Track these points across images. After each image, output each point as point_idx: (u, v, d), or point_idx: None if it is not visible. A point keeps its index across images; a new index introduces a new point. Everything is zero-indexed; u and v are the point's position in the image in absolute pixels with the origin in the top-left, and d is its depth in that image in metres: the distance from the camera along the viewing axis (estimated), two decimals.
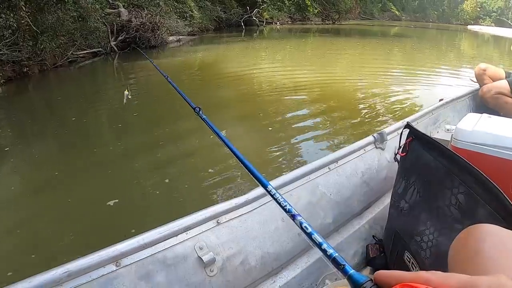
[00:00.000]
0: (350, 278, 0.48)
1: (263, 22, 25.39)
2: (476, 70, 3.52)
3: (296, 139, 4.37)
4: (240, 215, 1.25)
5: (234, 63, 10.28)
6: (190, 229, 1.12)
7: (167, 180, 3.35)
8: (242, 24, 23.29)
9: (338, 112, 5.54)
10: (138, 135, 4.64)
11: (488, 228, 0.76)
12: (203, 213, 1.17)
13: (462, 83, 7.76)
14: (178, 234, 1.10)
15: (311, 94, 6.52)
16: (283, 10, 28.14)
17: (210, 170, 3.49)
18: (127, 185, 3.33)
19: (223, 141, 1.05)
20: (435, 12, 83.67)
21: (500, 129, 1.86)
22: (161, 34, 12.99)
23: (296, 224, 0.65)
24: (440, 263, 1.16)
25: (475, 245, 0.72)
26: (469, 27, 65.65)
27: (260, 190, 1.31)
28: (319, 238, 0.59)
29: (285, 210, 0.71)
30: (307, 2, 29.00)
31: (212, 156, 3.85)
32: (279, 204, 0.74)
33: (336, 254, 0.53)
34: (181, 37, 15.28)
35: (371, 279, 0.44)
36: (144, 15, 12.58)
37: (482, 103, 3.48)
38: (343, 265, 0.51)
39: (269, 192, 0.78)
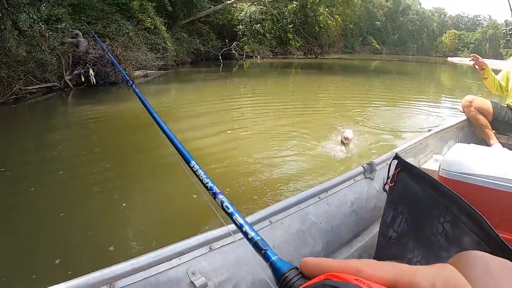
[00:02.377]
0: (272, 265, 0.46)
1: (243, 55, 24.58)
2: (463, 101, 3.71)
3: None
4: (232, 242, 1.25)
5: (194, 128, 6.31)
6: (183, 254, 1.13)
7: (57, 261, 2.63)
8: (220, 58, 22.36)
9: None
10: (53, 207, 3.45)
11: (475, 255, 0.80)
12: (196, 239, 1.18)
13: (443, 114, 8.40)
14: (171, 259, 1.10)
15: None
16: (264, 44, 27.42)
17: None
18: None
19: (153, 117, 1.09)
20: (415, 45, 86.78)
21: (487, 159, 1.97)
22: (124, 68, 11.40)
23: (217, 202, 0.66)
24: None
25: (463, 272, 0.58)
26: (449, 59, 67.60)
27: (253, 217, 1.35)
28: (240, 219, 0.59)
29: (202, 181, 0.73)
30: (289, 35, 28.42)
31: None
32: (197, 175, 0.76)
33: (258, 238, 0.53)
34: (149, 71, 13.79)
35: (296, 267, 0.42)
36: (105, 46, 10.87)
37: (470, 134, 3.78)
38: (265, 250, 0.49)
39: (191, 167, 0.78)
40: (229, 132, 5.92)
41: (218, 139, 5.55)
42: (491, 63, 3.67)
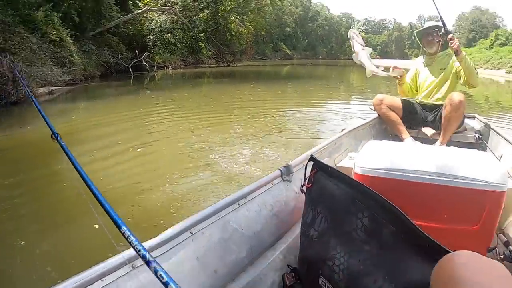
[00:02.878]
0: None
1: (154, 66, 23.89)
2: (374, 100, 3.87)
3: None
4: (156, 257, 1.16)
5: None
6: (105, 276, 1.06)
7: None
8: (131, 70, 21.41)
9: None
10: None
11: (467, 255, 0.80)
12: (118, 258, 1.11)
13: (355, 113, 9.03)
14: (94, 282, 1.03)
15: None
16: (175, 53, 26.98)
17: None
18: None
19: (79, 172, 1.10)
20: (324, 49, 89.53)
21: (399, 153, 2.02)
22: (27, 85, 10.38)
23: (151, 270, 0.65)
24: (353, 283, 1.26)
25: (457, 273, 0.75)
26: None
27: (173, 230, 1.32)
28: None
29: (134, 248, 0.71)
30: (200, 44, 28.44)
31: None
32: (129, 241, 0.75)
33: None
34: (55, 88, 13.02)
35: None
36: (5, 62, 10.09)
37: (382, 131, 3.99)
38: None
39: (123, 233, 0.76)
40: (139, 150, 5.73)
41: (127, 158, 5.39)
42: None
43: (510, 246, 1.90)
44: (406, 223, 1.12)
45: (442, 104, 3.62)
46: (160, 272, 0.61)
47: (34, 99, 1.81)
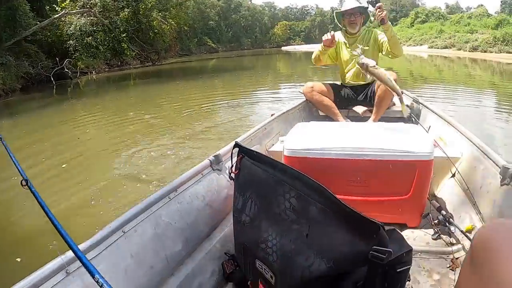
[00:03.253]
0: None
1: (77, 73, 22.80)
2: (305, 88, 3.87)
3: None
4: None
5: None
6: (39, 286, 1.03)
7: None
8: (52, 79, 20.27)
9: None
10: None
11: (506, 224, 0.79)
12: (50, 266, 1.08)
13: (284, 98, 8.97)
14: None
15: None
16: (98, 57, 26.00)
17: None
18: None
19: (49, 216, 1.11)
20: (249, 40, 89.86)
21: (327, 133, 2.14)
22: None
23: None
24: (287, 263, 1.25)
25: (496, 242, 0.75)
26: (283, 48, 72.40)
27: (103, 232, 1.30)
28: None
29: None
30: (123, 45, 27.67)
31: None
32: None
33: None
34: None
35: None
36: None
37: (312, 113, 4.02)
38: None
39: (97, 282, 0.73)
40: (64, 166, 5.51)
41: (51, 172, 5.23)
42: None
43: (442, 211, 1.97)
44: (331, 199, 1.13)
45: (370, 82, 3.74)
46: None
47: (4, 142, 1.85)
